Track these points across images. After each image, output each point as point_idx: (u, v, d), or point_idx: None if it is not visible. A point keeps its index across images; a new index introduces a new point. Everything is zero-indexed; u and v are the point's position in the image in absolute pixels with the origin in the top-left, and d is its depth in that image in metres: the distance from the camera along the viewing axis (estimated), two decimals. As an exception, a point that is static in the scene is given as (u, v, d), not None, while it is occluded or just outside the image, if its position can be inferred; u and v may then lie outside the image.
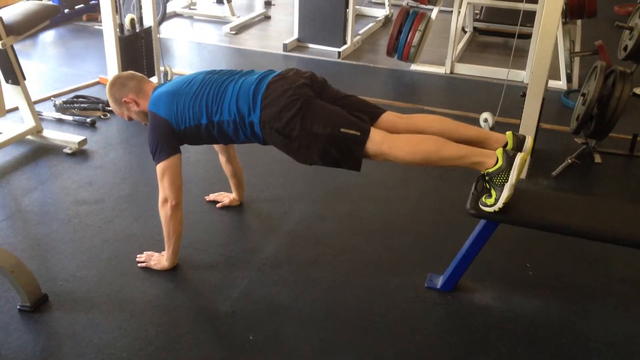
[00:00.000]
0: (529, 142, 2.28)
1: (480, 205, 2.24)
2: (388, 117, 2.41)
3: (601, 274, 2.67)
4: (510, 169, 2.13)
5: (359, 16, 6.68)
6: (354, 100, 2.45)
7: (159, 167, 2.41)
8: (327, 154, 2.26)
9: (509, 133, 2.30)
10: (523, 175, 3.43)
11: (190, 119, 2.40)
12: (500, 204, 2.17)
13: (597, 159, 3.69)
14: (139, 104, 2.53)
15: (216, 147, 2.88)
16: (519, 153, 2.16)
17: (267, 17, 6.88)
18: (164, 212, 2.43)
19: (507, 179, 2.14)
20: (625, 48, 4.28)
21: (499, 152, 2.17)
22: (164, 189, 2.41)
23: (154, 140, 2.43)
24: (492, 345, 2.24)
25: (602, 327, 2.35)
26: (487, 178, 2.20)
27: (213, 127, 2.40)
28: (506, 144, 2.28)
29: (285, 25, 6.44)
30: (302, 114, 2.23)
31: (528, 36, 5.16)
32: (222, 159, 2.92)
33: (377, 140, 2.22)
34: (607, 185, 3.52)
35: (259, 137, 2.36)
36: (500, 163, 2.15)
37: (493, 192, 2.19)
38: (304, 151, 2.29)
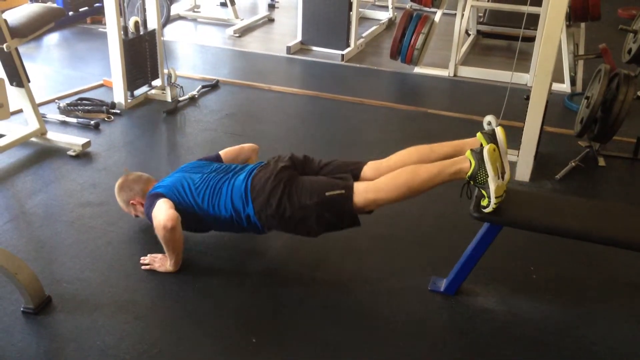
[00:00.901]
0: (499, 134, 2.31)
1: (480, 209, 2.26)
2: (369, 167, 2.55)
3: (605, 277, 2.66)
4: (484, 164, 2.19)
5: (363, 19, 6.68)
6: (336, 164, 2.59)
7: (152, 212, 2.49)
8: (323, 220, 2.40)
9: (478, 134, 2.34)
10: (526, 178, 3.43)
11: (189, 202, 2.55)
12: (493, 200, 2.20)
13: (601, 162, 3.69)
14: (144, 205, 2.68)
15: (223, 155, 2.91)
16: (485, 146, 2.21)
17: (270, 20, 6.89)
18: (161, 236, 2.46)
19: (487, 174, 2.19)
20: (629, 51, 4.27)
21: (468, 154, 2.26)
22: (157, 218, 2.44)
23: (148, 205, 2.57)
24: (496, 349, 2.23)
25: (606, 330, 2.34)
26: (472, 182, 2.27)
27: (209, 219, 2.56)
28: (481, 145, 2.31)
29: (288, 28, 6.45)
30: (288, 194, 2.40)
31: (532, 39, 5.16)
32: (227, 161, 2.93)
33: (361, 191, 2.36)
34: (611, 188, 3.51)
35: (258, 226, 2.51)
36: (473, 164, 2.23)
37: (484, 192, 2.24)
38: (302, 226, 2.44)
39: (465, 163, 2.27)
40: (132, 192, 2.75)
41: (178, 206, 2.53)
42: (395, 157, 2.54)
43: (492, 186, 2.19)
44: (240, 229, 2.58)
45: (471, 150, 2.26)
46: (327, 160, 2.62)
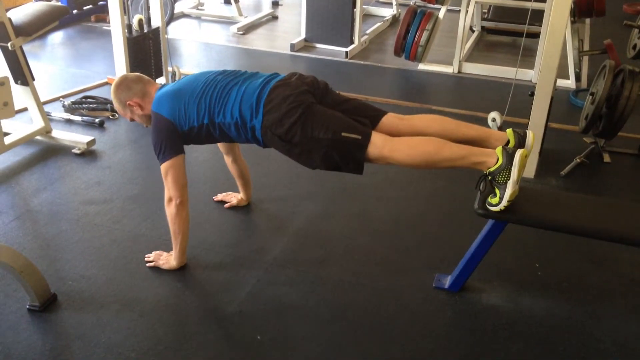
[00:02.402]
0: (530, 138, 2.28)
1: (487, 205, 2.23)
2: (389, 119, 2.42)
3: (610, 274, 2.65)
4: (511, 167, 2.13)
5: (367, 16, 6.67)
6: (356, 104, 2.46)
7: (163, 166, 2.43)
8: (329, 158, 2.28)
9: (509, 130, 2.30)
10: (531, 174, 3.42)
11: (194, 119, 2.42)
12: (504, 202, 2.16)
13: (606, 158, 3.67)
14: (143, 108, 2.55)
15: (221, 148, 2.89)
16: (518, 150, 2.16)
17: (274, 17, 6.89)
18: (169, 210, 2.45)
19: (509, 177, 2.14)
20: (635, 47, 4.25)
21: (499, 150, 2.17)
22: (168, 188, 2.43)
23: (158, 140, 2.45)
24: (501, 346, 2.23)
25: (612, 327, 2.34)
26: (489, 177, 2.20)
27: (214, 128, 2.42)
28: (508, 142, 2.27)
29: (292, 25, 6.44)
30: (303, 120, 2.26)
31: (536, 35, 5.14)
32: (228, 159, 2.93)
33: (378, 144, 2.24)
34: (616, 184, 3.50)
35: (260, 140, 2.39)
36: (500, 161, 2.15)
37: (497, 191, 2.19)
38: (305, 156, 2.32)
39: (492, 158, 2.17)
40: (131, 91, 2.54)
41: (183, 125, 2.42)
42: (417, 120, 2.42)
43: (509, 190, 2.14)
44: (242, 138, 2.44)
45: (503, 148, 2.17)
46: (348, 97, 2.49)
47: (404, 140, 2.27)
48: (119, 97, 2.56)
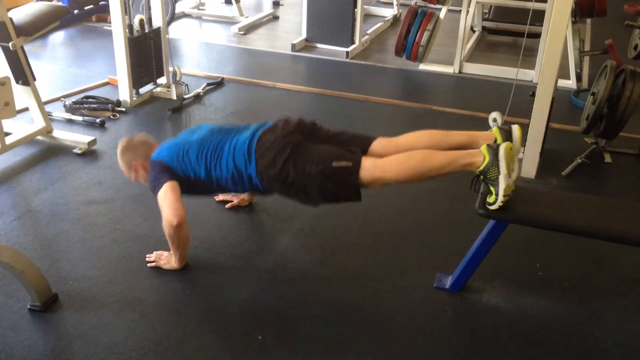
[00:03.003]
0: (516, 132, 2.30)
1: (486, 205, 2.24)
2: (379, 143, 2.50)
3: (611, 274, 2.65)
4: (498, 161, 2.16)
5: (367, 16, 6.67)
6: (345, 136, 2.55)
7: (159, 195, 2.46)
8: (325, 190, 2.35)
9: (494, 129, 2.33)
10: (532, 174, 3.42)
11: (190, 171, 2.52)
12: (501, 198, 2.18)
13: (607, 158, 3.67)
14: (147, 169, 2.65)
15: None
16: (502, 143, 2.19)
17: (275, 18, 6.89)
18: (167, 232, 2.45)
19: (500, 172, 2.17)
20: (636, 47, 4.25)
21: (483, 148, 2.22)
22: (165, 213, 2.43)
23: (152, 176, 2.53)
24: (502, 346, 2.23)
25: (613, 327, 2.34)
26: (481, 177, 2.24)
27: (211, 182, 2.52)
28: (495, 140, 2.30)
29: (293, 25, 6.44)
30: (293, 158, 2.35)
31: (537, 35, 5.14)
32: None
33: (369, 167, 2.31)
34: (618, 184, 3.50)
35: (259, 187, 2.47)
36: (487, 159, 2.19)
37: (492, 189, 2.22)
38: (303, 193, 2.39)
39: (479, 157, 2.22)
40: (136, 154, 2.67)
41: (180, 172, 2.50)
42: (407, 137, 2.49)
43: (502, 184, 2.16)
44: (241, 188, 2.52)
45: (487, 145, 2.22)
46: (337, 131, 2.56)
47: (392, 158, 2.34)
48: (125, 160, 2.70)
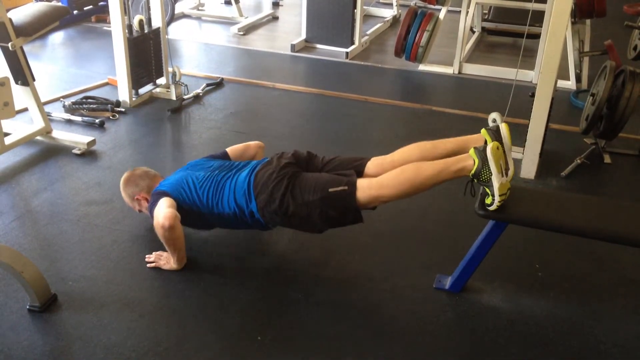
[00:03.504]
0: (504, 130, 2.30)
1: (485, 207, 2.25)
2: (373, 163, 2.54)
3: (611, 274, 2.65)
4: (487, 162, 2.18)
5: (367, 16, 6.67)
6: (339, 161, 2.59)
7: (154, 211, 2.48)
8: (326, 216, 2.39)
9: (483, 130, 2.33)
10: (532, 175, 3.42)
11: (192, 204, 2.56)
12: (497, 198, 2.19)
13: (607, 159, 3.67)
14: (149, 201, 2.67)
15: (231, 153, 2.90)
16: (488, 144, 2.21)
17: (275, 18, 6.89)
18: (161, 235, 2.46)
19: (491, 172, 2.18)
20: (635, 47, 4.25)
21: (471, 152, 2.25)
22: (155, 218, 2.45)
23: (152, 203, 2.55)
24: (501, 347, 2.23)
25: (613, 328, 2.34)
26: (475, 180, 2.26)
27: (213, 217, 2.57)
28: (486, 142, 2.30)
29: (293, 26, 6.44)
30: (291, 189, 2.39)
31: (537, 36, 5.14)
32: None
33: (365, 187, 2.35)
34: (617, 185, 3.50)
35: (261, 223, 2.51)
36: (476, 161, 2.22)
37: (487, 190, 2.23)
38: (306, 222, 2.43)
39: (469, 161, 2.25)
40: (138, 187, 2.76)
41: (182, 204, 2.54)
42: (399, 153, 2.53)
43: (495, 184, 2.18)
44: (244, 225, 2.58)
45: (474, 148, 2.25)
46: (331, 157, 2.62)
47: (385, 176, 2.38)
48: (128, 192, 2.78)
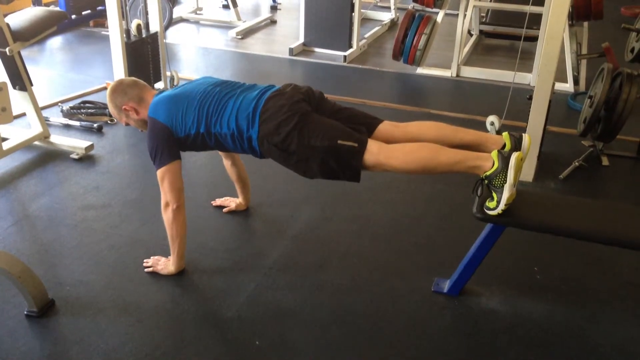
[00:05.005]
0: (526, 141, 2.28)
1: (485, 210, 2.24)
2: (385, 127, 2.44)
3: (609, 277, 2.65)
4: (507, 170, 2.13)
5: (365, 20, 6.68)
6: (352, 112, 2.48)
7: (159, 172, 2.43)
8: (325, 166, 2.29)
9: (505, 134, 2.30)
10: (530, 178, 3.42)
11: (190, 127, 2.43)
12: (502, 206, 2.16)
13: (605, 161, 3.67)
14: (139, 113, 2.56)
15: (220, 151, 2.88)
16: (514, 152, 2.16)
17: (273, 22, 6.90)
18: (166, 216, 2.45)
19: (506, 180, 2.14)
20: (632, 50, 4.25)
21: (494, 154, 2.18)
22: (164, 193, 2.43)
23: (153, 145, 2.45)
24: (500, 350, 2.23)
25: (611, 331, 2.33)
26: (486, 181, 2.21)
27: (210, 138, 2.44)
28: (504, 146, 2.27)
29: (291, 29, 6.45)
30: (299, 128, 2.27)
31: (534, 39, 5.15)
32: (227, 163, 2.93)
33: (374, 151, 2.25)
34: (615, 187, 3.50)
35: (257, 151, 2.40)
36: (496, 165, 2.15)
37: (494, 195, 2.19)
38: (302, 164, 2.33)
39: (488, 162, 2.18)
40: (127, 96, 2.55)
41: (179, 132, 2.44)
42: (415, 126, 2.44)
43: (506, 193, 2.14)
44: (239, 149, 2.45)
45: (498, 151, 2.18)
46: (343, 106, 2.50)
47: (399, 147, 2.27)
48: (115, 101, 2.57)
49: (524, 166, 3.35)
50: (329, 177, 2.35)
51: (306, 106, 2.35)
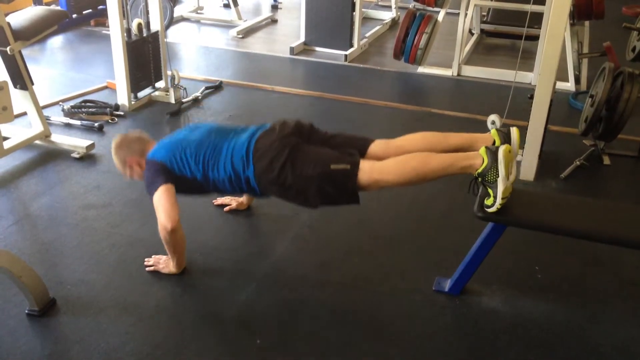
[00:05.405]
0: (514, 134, 2.30)
1: (484, 208, 2.24)
2: (377, 145, 2.49)
3: (610, 277, 2.65)
4: (497, 164, 2.16)
5: (366, 19, 6.67)
6: (343, 138, 2.54)
7: (155, 196, 2.44)
8: (323, 193, 2.34)
9: (493, 131, 2.33)
10: (531, 177, 3.41)
11: (187, 170, 2.50)
12: (499, 200, 2.18)
13: (606, 160, 3.67)
14: (142, 166, 2.63)
15: None
16: (501, 146, 2.19)
17: (273, 21, 6.89)
18: (163, 236, 2.44)
19: (498, 174, 2.17)
20: (634, 49, 4.25)
21: (482, 150, 2.22)
22: (159, 217, 2.41)
23: (148, 176, 2.51)
24: (501, 350, 2.22)
25: (612, 331, 2.33)
26: (480, 179, 2.24)
27: (208, 183, 2.50)
28: (494, 142, 2.30)
29: (292, 28, 6.45)
30: (291, 161, 2.33)
31: (536, 38, 5.14)
32: None
33: (367, 170, 2.30)
34: (616, 187, 3.49)
35: (256, 190, 2.46)
36: (486, 161, 2.19)
37: (490, 191, 2.22)
38: (301, 196, 2.38)
39: (478, 159, 2.22)
40: (131, 151, 2.64)
41: (177, 172, 2.48)
42: (406, 139, 2.48)
43: (500, 187, 2.16)
44: (238, 191, 2.52)
45: (486, 147, 2.22)
46: (334, 133, 2.56)
47: (390, 161, 2.33)
48: (120, 156, 2.67)
49: (525, 166, 3.40)
50: (330, 203, 2.41)
51: (296, 139, 2.41)
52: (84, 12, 6.30)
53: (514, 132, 2.30)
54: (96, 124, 3.91)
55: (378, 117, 4.34)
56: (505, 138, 2.28)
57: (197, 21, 6.78)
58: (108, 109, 4.11)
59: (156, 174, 2.48)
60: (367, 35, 6.09)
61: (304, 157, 2.34)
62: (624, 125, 3.44)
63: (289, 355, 2.17)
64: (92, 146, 3.60)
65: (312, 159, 2.33)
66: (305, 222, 2.96)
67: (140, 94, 4.37)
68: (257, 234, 2.96)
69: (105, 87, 4.60)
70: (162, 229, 2.41)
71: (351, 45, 5.65)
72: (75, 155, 3.54)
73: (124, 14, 4.06)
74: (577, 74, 4.90)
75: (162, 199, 2.42)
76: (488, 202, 2.23)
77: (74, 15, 6.17)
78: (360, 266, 2.67)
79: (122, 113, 4.14)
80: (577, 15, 4.76)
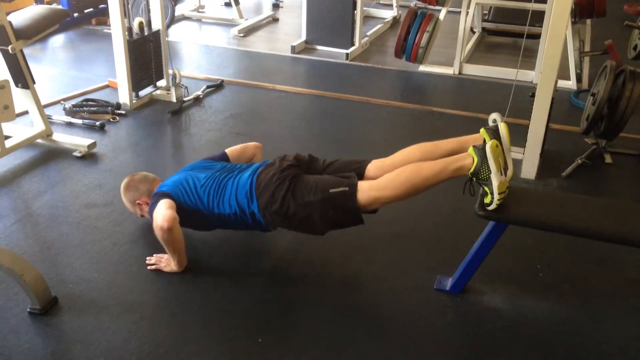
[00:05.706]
0: (503, 130, 2.33)
1: (484, 207, 2.25)
2: (373, 165, 2.56)
3: (612, 275, 2.65)
4: (487, 160, 2.19)
5: (367, 18, 6.67)
6: (340, 163, 2.61)
7: (154, 212, 2.47)
8: (326, 217, 2.41)
9: (482, 130, 2.36)
10: (532, 175, 3.41)
11: (192, 203, 2.56)
12: (496, 197, 2.20)
13: (608, 159, 3.67)
14: (150, 204, 2.66)
15: (230, 154, 2.89)
16: (487, 142, 2.22)
17: (275, 20, 6.89)
18: (159, 237, 2.46)
19: (490, 170, 2.19)
20: (635, 47, 4.25)
21: (470, 150, 2.27)
22: (154, 218, 2.44)
23: (152, 204, 2.55)
24: (502, 349, 2.22)
25: (614, 329, 2.33)
26: (474, 179, 2.27)
27: (212, 217, 2.56)
28: (485, 141, 2.32)
29: (293, 27, 6.44)
30: (292, 190, 2.41)
31: (537, 36, 5.14)
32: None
33: (365, 189, 2.37)
34: (618, 185, 3.49)
35: (262, 224, 2.52)
36: (475, 160, 2.24)
37: (486, 189, 2.24)
38: (305, 223, 2.44)
39: (468, 160, 2.27)
40: (138, 192, 2.77)
41: (182, 205, 2.54)
42: (399, 155, 2.54)
43: (495, 182, 2.19)
44: (244, 226, 2.58)
45: (473, 146, 2.27)
46: (331, 160, 2.63)
47: (385, 177, 2.40)
48: (128, 198, 2.79)
49: (526, 164, 3.40)
50: (334, 227, 2.49)
51: (295, 170, 2.49)
52: (86, 11, 6.30)
53: (502, 127, 2.33)
54: (97, 123, 3.92)
55: (379, 116, 4.34)
56: (494, 134, 2.30)
57: (199, 20, 6.78)
58: (109, 107, 4.11)
59: (159, 199, 2.54)
60: (368, 33, 6.08)
61: (303, 186, 2.42)
62: (625, 124, 3.44)
63: (290, 354, 2.17)
64: (93, 145, 3.60)
65: (311, 187, 2.41)
66: (307, 221, 2.96)
67: (142, 93, 4.37)
68: (259, 233, 2.95)
69: (107, 86, 4.60)
70: (158, 230, 2.43)
71: (352, 44, 5.65)
72: (76, 154, 3.54)
73: (126, 13, 4.06)
74: (579, 72, 4.90)
75: (158, 205, 2.48)
76: (486, 200, 2.25)
77: (76, 14, 6.17)
78: (362, 265, 2.67)
79: (123, 112, 4.15)
80: (579, 13, 4.76)
